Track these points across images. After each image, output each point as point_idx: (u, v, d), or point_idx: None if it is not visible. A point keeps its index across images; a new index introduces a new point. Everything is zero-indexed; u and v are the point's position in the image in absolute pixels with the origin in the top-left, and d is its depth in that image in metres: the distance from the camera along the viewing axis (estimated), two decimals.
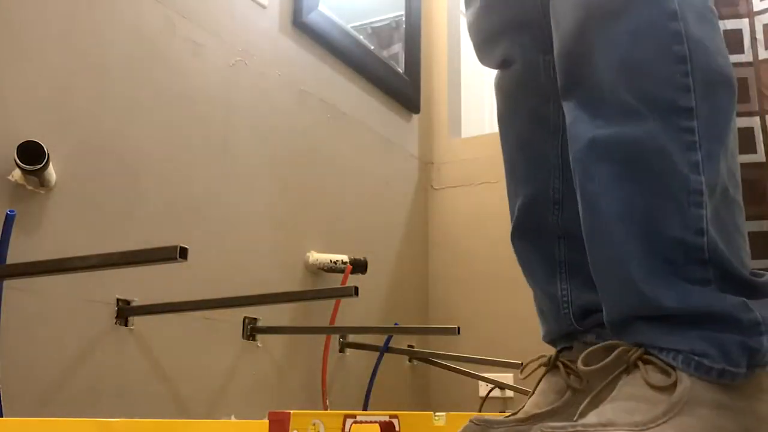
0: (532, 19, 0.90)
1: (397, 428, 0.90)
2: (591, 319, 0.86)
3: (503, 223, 2.52)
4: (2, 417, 1.09)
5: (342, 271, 1.83)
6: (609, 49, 0.70)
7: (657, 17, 0.68)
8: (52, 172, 1.22)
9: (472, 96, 2.91)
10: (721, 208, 0.69)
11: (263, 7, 1.81)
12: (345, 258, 1.84)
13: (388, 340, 1.95)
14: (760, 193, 2.34)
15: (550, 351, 0.93)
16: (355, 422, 0.79)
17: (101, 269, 1.07)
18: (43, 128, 1.23)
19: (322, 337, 1.84)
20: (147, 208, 1.43)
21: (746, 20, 2.51)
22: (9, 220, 1.12)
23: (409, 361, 2.23)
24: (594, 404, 0.67)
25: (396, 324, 2.12)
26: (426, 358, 2.20)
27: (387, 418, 0.86)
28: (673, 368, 0.64)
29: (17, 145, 1.15)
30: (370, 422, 0.82)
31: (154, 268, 1.38)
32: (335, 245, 1.93)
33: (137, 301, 1.36)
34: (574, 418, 0.65)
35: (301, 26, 1.93)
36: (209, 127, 1.61)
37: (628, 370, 0.67)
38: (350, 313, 1.94)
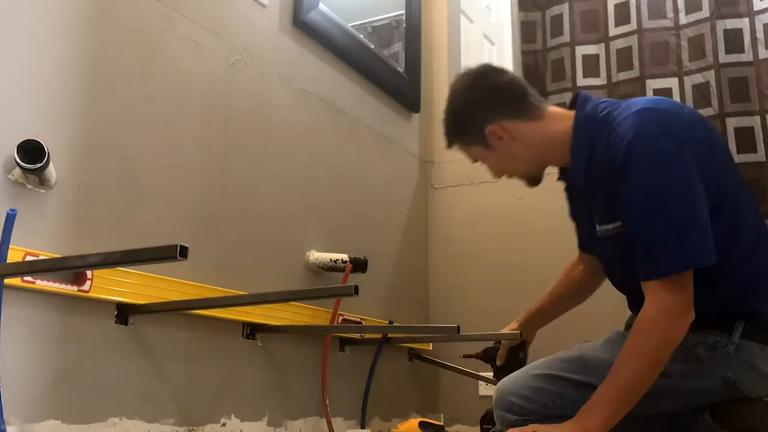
0: None
1: None
2: None
3: (503, 222, 2.52)
4: (2, 416, 1.08)
5: (342, 270, 1.83)
6: None
7: None
8: (52, 171, 1.22)
9: None
10: None
11: (263, 6, 1.81)
12: (345, 257, 1.84)
13: (383, 339, 1.95)
14: (760, 192, 2.34)
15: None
16: None
17: (101, 268, 1.07)
18: (43, 127, 1.23)
19: (322, 335, 1.84)
20: (147, 208, 1.43)
21: (746, 20, 2.51)
22: (10, 218, 1.12)
23: (409, 360, 2.23)
24: None
25: (391, 322, 2.12)
26: (426, 357, 2.21)
27: None
28: None
29: (18, 143, 1.15)
30: None
31: (154, 268, 1.38)
32: (335, 244, 1.93)
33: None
34: None
35: (302, 25, 1.93)
36: (209, 126, 1.61)
37: None
38: (350, 312, 1.94)
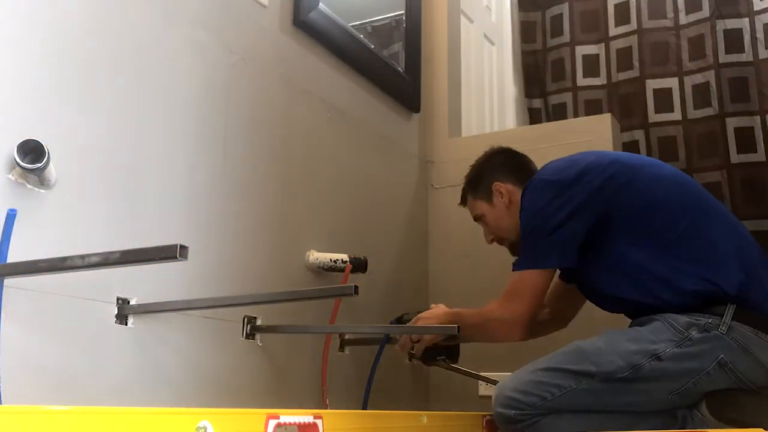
0: None
1: None
2: None
3: None
4: None
5: (342, 270, 1.83)
6: None
7: None
8: (52, 171, 1.22)
9: (472, 95, 2.91)
10: None
11: (263, 6, 1.81)
12: (345, 257, 1.84)
13: (385, 340, 1.94)
14: (760, 192, 2.34)
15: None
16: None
17: (102, 268, 1.07)
18: (43, 127, 1.23)
19: (322, 335, 1.84)
20: (147, 208, 1.43)
21: (746, 20, 2.51)
22: (9, 218, 1.13)
23: (409, 360, 2.23)
24: None
25: (391, 322, 2.11)
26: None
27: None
28: None
29: (18, 143, 1.15)
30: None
31: (154, 267, 1.38)
32: (335, 244, 1.93)
33: (137, 300, 1.36)
34: None
35: (302, 25, 1.93)
36: (209, 126, 1.61)
37: None
38: (350, 312, 1.94)
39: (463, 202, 1.75)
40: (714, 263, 1.29)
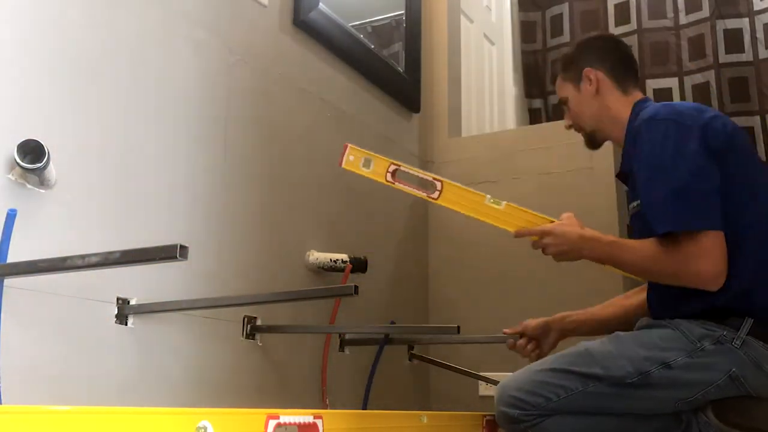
0: None
1: None
2: None
3: None
4: None
5: (342, 270, 1.83)
6: None
7: None
8: (52, 171, 1.21)
9: (472, 95, 2.91)
10: None
11: (263, 6, 1.81)
12: (345, 257, 1.84)
13: (384, 340, 1.95)
14: None
15: None
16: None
17: (102, 268, 1.07)
18: (43, 127, 1.23)
19: (322, 335, 1.84)
20: (147, 208, 1.43)
21: (746, 20, 2.51)
22: (10, 218, 1.13)
23: (409, 360, 2.23)
24: None
25: (391, 322, 2.12)
26: (426, 357, 2.20)
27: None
28: None
29: (17, 143, 1.15)
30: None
31: (154, 267, 1.38)
32: (335, 244, 1.93)
33: (137, 300, 1.36)
34: None
35: (302, 25, 1.93)
36: (209, 126, 1.61)
37: None
38: (350, 312, 1.94)
39: (554, 78, 1.64)
40: (749, 273, 1.23)
